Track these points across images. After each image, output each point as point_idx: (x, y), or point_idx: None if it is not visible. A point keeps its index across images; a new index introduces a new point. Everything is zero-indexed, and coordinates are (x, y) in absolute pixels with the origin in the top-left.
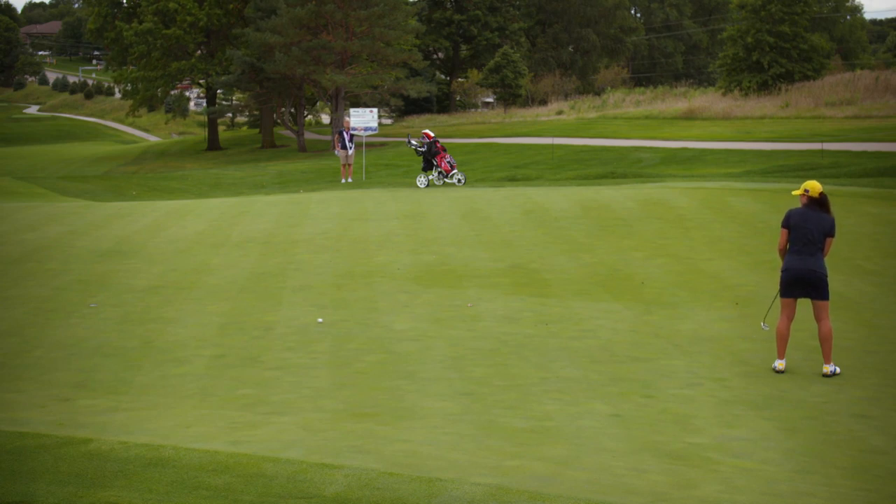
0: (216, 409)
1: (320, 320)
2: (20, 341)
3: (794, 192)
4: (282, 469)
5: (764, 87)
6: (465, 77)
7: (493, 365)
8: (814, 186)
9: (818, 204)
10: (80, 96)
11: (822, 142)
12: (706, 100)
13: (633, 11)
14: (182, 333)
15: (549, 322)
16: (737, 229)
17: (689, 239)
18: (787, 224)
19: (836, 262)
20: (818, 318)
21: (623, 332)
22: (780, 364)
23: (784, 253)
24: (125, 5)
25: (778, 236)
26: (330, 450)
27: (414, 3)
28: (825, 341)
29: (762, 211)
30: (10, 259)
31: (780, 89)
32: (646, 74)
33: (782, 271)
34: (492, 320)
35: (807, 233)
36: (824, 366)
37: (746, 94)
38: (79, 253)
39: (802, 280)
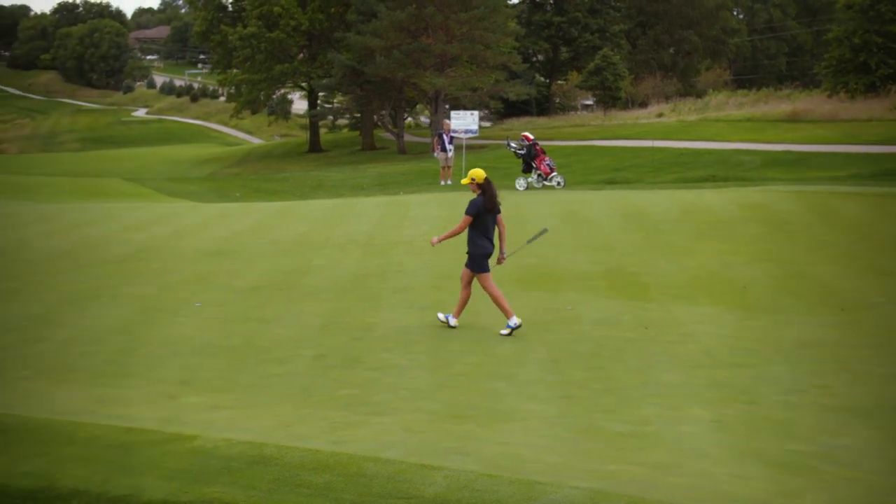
0: (317, 408)
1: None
2: (128, 339)
3: (463, 182)
4: (382, 469)
5: (871, 89)
6: (565, 79)
7: (592, 368)
8: (479, 174)
9: (486, 189)
10: (186, 99)
11: None
12: (811, 102)
13: (735, 12)
14: (283, 333)
15: (648, 326)
16: (842, 234)
17: (793, 243)
18: (475, 212)
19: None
20: (470, 285)
21: (724, 336)
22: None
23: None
24: (230, 10)
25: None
26: (429, 450)
27: (514, 6)
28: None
29: (868, 215)
30: (118, 258)
31: (888, 91)
32: (748, 76)
33: (479, 253)
34: (590, 323)
35: (489, 219)
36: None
37: (853, 96)
38: (183, 253)
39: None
